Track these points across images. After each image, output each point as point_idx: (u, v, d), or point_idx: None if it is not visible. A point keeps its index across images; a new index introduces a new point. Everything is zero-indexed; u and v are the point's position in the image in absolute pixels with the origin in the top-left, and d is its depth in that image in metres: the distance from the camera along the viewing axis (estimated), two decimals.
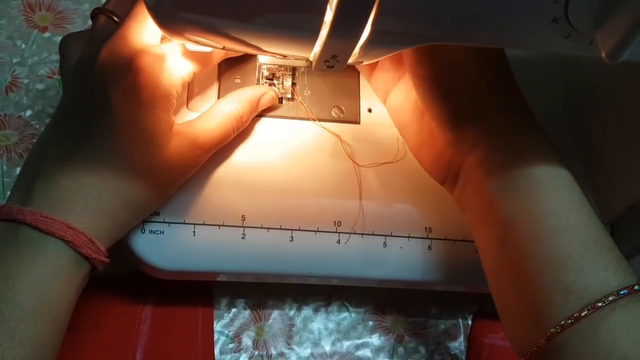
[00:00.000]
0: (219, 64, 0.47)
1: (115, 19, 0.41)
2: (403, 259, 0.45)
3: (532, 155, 0.36)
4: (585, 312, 0.32)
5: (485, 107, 0.38)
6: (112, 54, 0.38)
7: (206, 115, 0.42)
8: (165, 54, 0.39)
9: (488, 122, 0.38)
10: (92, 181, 0.37)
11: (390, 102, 0.45)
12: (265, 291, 0.49)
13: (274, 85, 0.47)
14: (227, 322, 0.48)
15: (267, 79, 0.47)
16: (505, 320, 0.38)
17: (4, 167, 0.50)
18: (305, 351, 0.48)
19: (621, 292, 0.32)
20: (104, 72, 0.38)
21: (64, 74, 0.41)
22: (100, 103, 0.37)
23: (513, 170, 0.36)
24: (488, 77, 0.38)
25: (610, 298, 0.32)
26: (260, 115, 0.46)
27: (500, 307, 0.38)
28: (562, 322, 0.33)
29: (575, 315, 0.33)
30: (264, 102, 0.45)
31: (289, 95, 0.47)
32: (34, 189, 0.36)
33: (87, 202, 0.36)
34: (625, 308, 0.32)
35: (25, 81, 0.53)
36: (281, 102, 0.47)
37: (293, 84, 0.48)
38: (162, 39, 0.40)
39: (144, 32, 0.39)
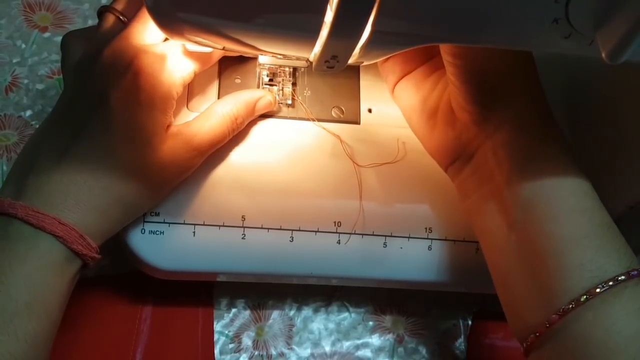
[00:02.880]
0: (219, 64, 0.47)
1: (123, 19, 0.41)
2: (403, 259, 0.45)
3: (554, 143, 0.38)
4: (599, 289, 0.33)
5: (517, 91, 0.38)
6: (114, 53, 0.38)
7: (202, 117, 0.42)
8: (166, 53, 0.39)
9: (517, 107, 0.38)
10: (83, 178, 0.37)
11: (400, 87, 0.45)
12: (265, 291, 0.49)
13: (274, 91, 0.47)
14: (227, 322, 0.48)
15: (267, 83, 0.47)
16: (510, 304, 0.38)
17: (4, 167, 0.50)
18: (305, 351, 0.48)
19: (632, 273, 0.34)
20: (104, 71, 0.38)
21: (65, 71, 0.41)
22: (98, 102, 0.37)
23: (536, 154, 0.37)
24: (520, 67, 0.39)
25: (621, 277, 0.33)
26: (261, 115, 0.46)
27: (504, 291, 0.39)
28: (577, 298, 0.34)
29: (590, 291, 0.33)
30: (261, 106, 0.45)
31: (289, 101, 0.47)
32: (27, 183, 0.37)
33: (78, 199, 0.36)
34: (636, 287, 0.34)
35: (25, 81, 0.53)
36: (280, 104, 0.47)
37: (293, 84, 0.48)
38: (166, 40, 0.40)
39: (149, 34, 0.39)
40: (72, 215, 0.36)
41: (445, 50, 0.39)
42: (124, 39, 0.38)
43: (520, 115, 0.38)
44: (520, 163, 0.37)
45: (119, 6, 0.41)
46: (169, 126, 0.40)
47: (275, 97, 0.46)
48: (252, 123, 0.46)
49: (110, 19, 0.41)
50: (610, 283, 0.33)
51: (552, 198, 0.36)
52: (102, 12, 0.41)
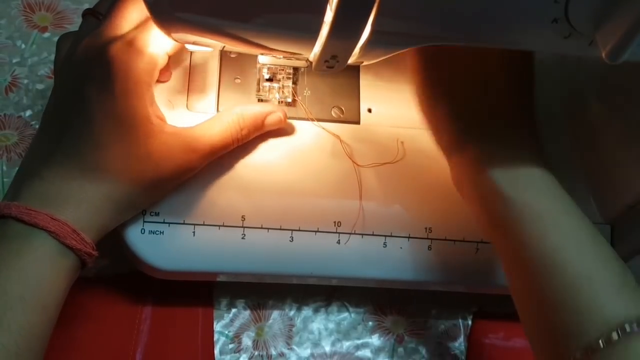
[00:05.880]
0: (219, 64, 0.47)
1: (101, 18, 0.41)
2: (403, 259, 0.44)
3: (508, 170, 0.38)
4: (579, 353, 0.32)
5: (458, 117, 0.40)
6: (87, 49, 0.38)
7: (207, 122, 0.42)
8: (135, 41, 0.38)
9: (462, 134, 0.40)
10: (73, 175, 0.37)
11: None
12: (265, 291, 0.49)
13: (274, 90, 0.47)
14: (227, 322, 0.48)
15: (267, 80, 0.47)
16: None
17: (4, 167, 0.50)
18: (305, 351, 0.48)
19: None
20: (79, 67, 0.39)
21: (54, 72, 0.42)
22: (76, 98, 0.38)
23: (489, 192, 0.38)
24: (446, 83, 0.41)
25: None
26: None
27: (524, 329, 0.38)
28: None
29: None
30: (270, 122, 0.44)
31: (289, 99, 0.47)
32: (21, 187, 0.37)
33: (69, 196, 0.37)
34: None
35: (25, 81, 0.53)
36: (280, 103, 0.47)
37: (293, 84, 0.48)
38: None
39: (121, 27, 0.39)
40: (64, 212, 0.36)
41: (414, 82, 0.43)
42: (95, 35, 0.39)
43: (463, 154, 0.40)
44: (481, 198, 0.38)
45: (101, 8, 0.42)
46: (160, 119, 0.40)
47: (286, 114, 0.46)
48: None
49: (90, 21, 0.42)
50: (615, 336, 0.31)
51: (525, 247, 0.36)
52: (84, 14, 0.42)
